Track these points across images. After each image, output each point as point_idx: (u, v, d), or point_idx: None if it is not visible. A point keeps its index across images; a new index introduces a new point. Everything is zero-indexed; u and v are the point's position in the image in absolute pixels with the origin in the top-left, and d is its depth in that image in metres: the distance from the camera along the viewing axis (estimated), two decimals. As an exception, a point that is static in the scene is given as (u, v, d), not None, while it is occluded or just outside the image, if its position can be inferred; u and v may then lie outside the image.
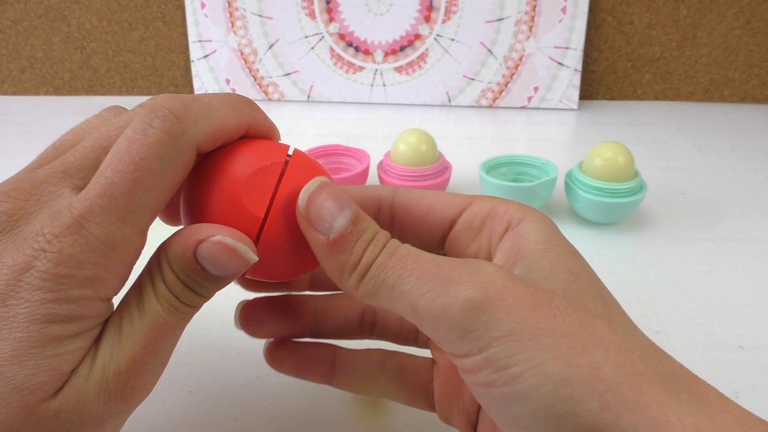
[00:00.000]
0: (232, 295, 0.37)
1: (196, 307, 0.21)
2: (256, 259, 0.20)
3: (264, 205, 0.21)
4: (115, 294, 0.20)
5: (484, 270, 0.19)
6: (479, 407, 0.24)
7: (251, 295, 0.26)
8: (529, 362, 0.17)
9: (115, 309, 0.20)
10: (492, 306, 0.18)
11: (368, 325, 0.27)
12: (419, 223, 0.24)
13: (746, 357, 0.32)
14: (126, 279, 0.20)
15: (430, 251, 0.26)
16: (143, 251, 0.21)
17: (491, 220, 0.23)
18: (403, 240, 0.22)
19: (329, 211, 0.20)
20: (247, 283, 0.26)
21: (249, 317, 0.26)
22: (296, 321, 0.26)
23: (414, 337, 0.27)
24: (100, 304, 0.19)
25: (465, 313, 0.18)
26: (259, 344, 0.33)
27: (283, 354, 0.26)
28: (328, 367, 0.26)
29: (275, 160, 0.22)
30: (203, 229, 0.20)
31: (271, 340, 0.27)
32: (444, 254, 0.23)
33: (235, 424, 0.28)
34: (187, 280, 0.20)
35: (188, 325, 0.34)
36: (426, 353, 0.27)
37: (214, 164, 0.22)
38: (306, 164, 0.23)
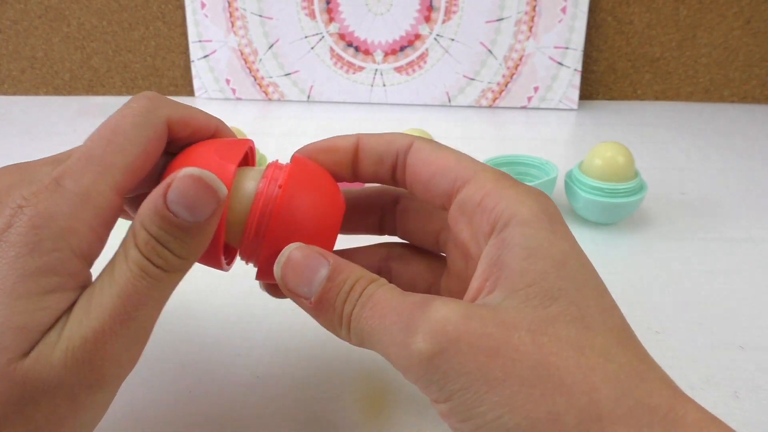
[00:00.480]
0: (230, 301, 0.37)
1: (169, 272, 0.20)
2: (226, 190, 0.20)
3: (237, 159, 0.22)
4: (91, 253, 0.20)
5: (437, 314, 0.18)
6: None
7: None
8: (487, 416, 0.17)
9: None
10: (445, 357, 0.18)
11: (385, 275, 0.26)
12: (423, 190, 0.23)
13: (746, 357, 0.32)
14: (103, 240, 0.20)
15: (440, 215, 0.26)
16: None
17: (480, 213, 0.21)
18: (417, 198, 0.23)
19: (304, 276, 0.21)
20: (273, 290, 0.26)
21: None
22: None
23: (434, 240, 0.27)
24: (75, 260, 0.19)
25: (422, 367, 0.18)
26: (259, 344, 0.33)
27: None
28: None
29: (243, 142, 0.23)
30: (171, 176, 0.20)
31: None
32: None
33: (235, 424, 0.28)
34: (160, 234, 0.19)
35: (188, 325, 0.35)
36: None
37: (186, 148, 0.23)
38: (310, 166, 0.23)
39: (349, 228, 0.27)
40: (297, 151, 0.25)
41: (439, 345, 0.18)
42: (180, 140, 0.23)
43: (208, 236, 0.21)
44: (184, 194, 0.19)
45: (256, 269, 0.23)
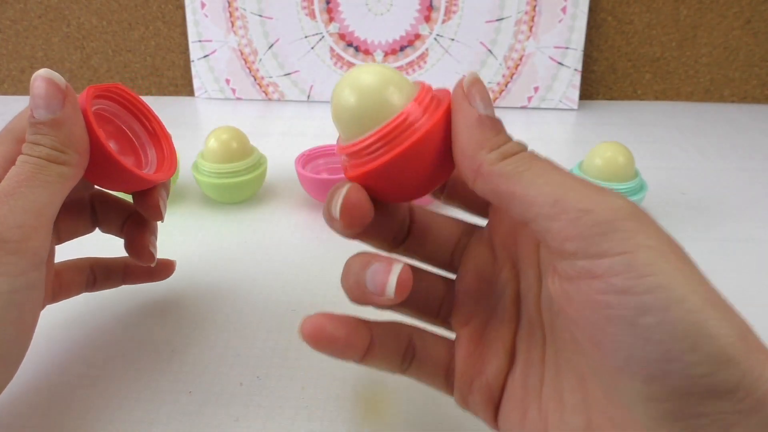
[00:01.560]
0: (230, 301, 0.37)
1: (50, 161, 0.24)
2: (64, 81, 0.25)
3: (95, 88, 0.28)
4: None
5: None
6: (503, 383, 0.23)
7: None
8: (675, 277, 0.17)
9: None
10: (643, 217, 0.18)
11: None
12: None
13: (746, 357, 0.32)
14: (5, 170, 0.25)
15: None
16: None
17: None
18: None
19: (485, 96, 0.21)
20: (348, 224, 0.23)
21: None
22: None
23: (436, 312, 0.26)
24: None
25: (616, 213, 0.18)
26: (258, 344, 0.33)
27: (336, 327, 0.23)
28: (367, 343, 0.24)
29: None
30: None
31: (316, 316, 0.23)
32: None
33: (235, 424, 0.28)
34: (35, 138, 0.24)
35: (187, 326, 0.35)
36: (442, 333, 0.26)
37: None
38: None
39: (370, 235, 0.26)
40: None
41: (636, 206, 0.18)
42: None
43: (71, 127, 0.25)
44: (37, 96, 0.24)
45: (349, 168, 0.23)
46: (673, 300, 0.16)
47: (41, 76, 0.24)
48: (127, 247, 0.32)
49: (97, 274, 0.33)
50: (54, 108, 0.24)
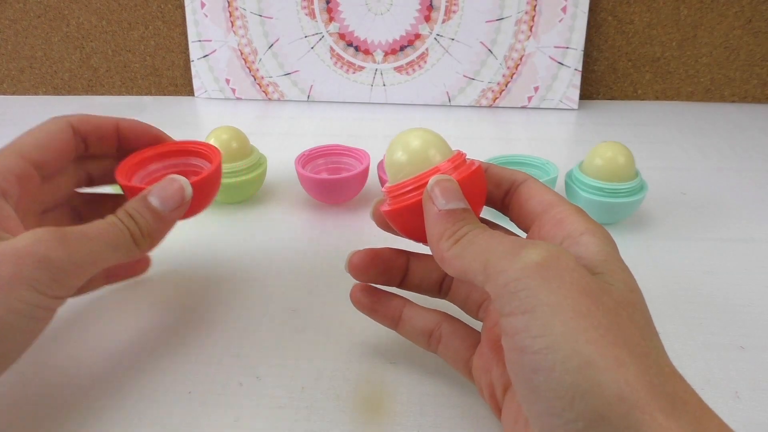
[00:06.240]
0: (230, 302, 0.37)
1: (131, 232, 0.28)
2: (191, 194, 0.30)
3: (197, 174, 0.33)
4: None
5: (556, 246, 0.21)
6: (505, 388, 0.26)
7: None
8: (565, 337, 0.18)
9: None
10: (550, 272, 0.20)
11: (445, 288, 0.31)
12: (519, 209, 0.27)
13: (747, 357, 0.32)
14: (10, 182, 0.27)
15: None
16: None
17: (558, 227, 0.24)
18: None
19: (446, 192, 0.25)
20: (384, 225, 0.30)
21: (356, 265, 0.30)
22: (391, 271, 0.30)
23: (476, 309, 0.30)
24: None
25: (523, 270, 0.20)
26: (258, 344, 0.33)
27: (363, 296, 0.31)
28: (396, 315, 0.30)
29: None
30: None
31: (358, 284, 0.31)
32: None
33: (235, 424, 0.28)
34: (134, 213, 0.28)
35: (187, 326, 0.35)
36: (478, 326, 0.30)
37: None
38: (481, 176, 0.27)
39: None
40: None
41: (550, 262, 0.20)
42: (88, 133, 0.31)
43: (167, 225, 0.29)
44: (164, 189, 0.29)
45: (389, 205, 0.27)
46: (557, 362, 0.18)
47: (179, 181, 0.30)
48: None
49: None
50: (166, 207, 0.29)
